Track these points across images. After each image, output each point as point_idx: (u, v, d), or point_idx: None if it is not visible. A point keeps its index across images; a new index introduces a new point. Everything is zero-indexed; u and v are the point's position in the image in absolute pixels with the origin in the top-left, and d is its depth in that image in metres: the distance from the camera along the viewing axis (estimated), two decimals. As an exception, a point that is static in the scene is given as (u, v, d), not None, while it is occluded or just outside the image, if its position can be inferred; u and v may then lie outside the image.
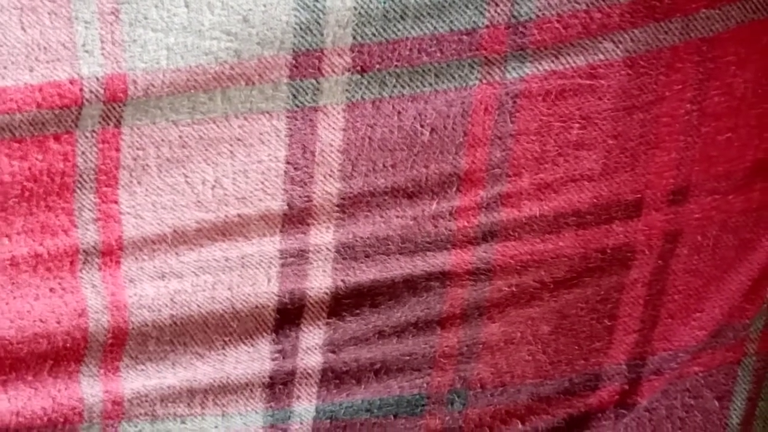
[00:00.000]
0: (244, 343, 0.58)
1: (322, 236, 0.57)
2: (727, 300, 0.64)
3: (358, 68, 0.53)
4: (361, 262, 0.58)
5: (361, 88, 0.53)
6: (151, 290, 0.55)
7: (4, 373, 0.55)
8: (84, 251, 0.53)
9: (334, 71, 0.53)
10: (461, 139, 0.56)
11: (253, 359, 0.59)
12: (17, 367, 0.54)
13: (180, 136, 0.52)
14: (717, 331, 0.65)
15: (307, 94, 0.53)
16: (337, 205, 0.56)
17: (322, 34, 0.52)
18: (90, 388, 0.56)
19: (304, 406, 0.60)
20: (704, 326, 0.64)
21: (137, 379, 0.57)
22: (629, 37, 0.55)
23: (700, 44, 0.57)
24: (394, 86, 0.54)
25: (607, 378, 0.64)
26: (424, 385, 0.61)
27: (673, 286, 0.63)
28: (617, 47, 0.55)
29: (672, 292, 0.63)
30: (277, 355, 0.59)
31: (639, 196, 0.59)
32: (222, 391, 0.59)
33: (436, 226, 0.57)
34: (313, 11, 0.51)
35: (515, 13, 0.53)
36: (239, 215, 0.55)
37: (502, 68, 0.55)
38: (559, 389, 0.63)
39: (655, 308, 0.63)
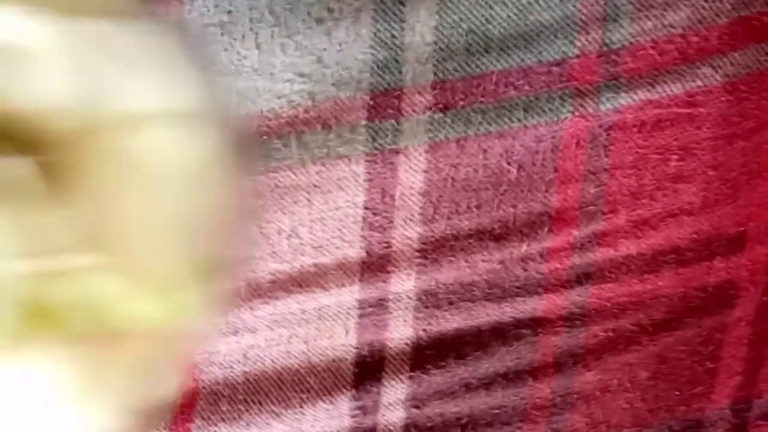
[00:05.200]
0: (322, 399, 0.55)
1: (403, 284, 0.53)
2: (837, 336, 0.61)
3: (440, 106, 0.50)
4: (445, 310, 0.55)
5: (444, 127, 0.50)
6: (223, 347, 0.52)
7: None
8: None
9: (414, 110, 0.50)
10: (551, 176, 0.53)
11: (332, 417, 0.56)
12: None
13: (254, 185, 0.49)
14: (825, 369, 0.62)
15: (386, 135, 0.50)
16: (418, 251, 0.53)
17: (401, 72, 0.48)
18: (160, 453, 0.54)
19: (386, 463, 0.58)
20: (812, 365, 0.61)
21: (210, 442, 0.54)
22: (728, 60, 0.52)
23: (806, 65, 0.53)
24: (480, 123, 0.51)
25: (709, 424, 0.60)
26: (515, 438, 0.58)
27: (779, 324, 0.60)
28: (716, 72, 0.52)
29: (777, 330, 0.60)
30: (357, 411, 0.56)
31: (742, 229, 0.56)
32: (299, 451, 0.56)
33: (525, 270, 0.54)
34: (391, 48, 0.48)
35: (607, 41, 0.50)
36: (316, 265, 0.52)
37: (595, 99, 0.52)
38: (658, 438, 0.60)
39: (760, 348, 0.59)
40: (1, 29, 0.28)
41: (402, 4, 0.48)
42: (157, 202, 0.30)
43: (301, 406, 0.55)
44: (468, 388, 0.56)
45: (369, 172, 0.50)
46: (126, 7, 0.30)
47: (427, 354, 0.55)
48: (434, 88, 0.49)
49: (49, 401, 0.29)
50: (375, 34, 0.47)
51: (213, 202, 0.31)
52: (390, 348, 0.55)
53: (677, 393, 0.59)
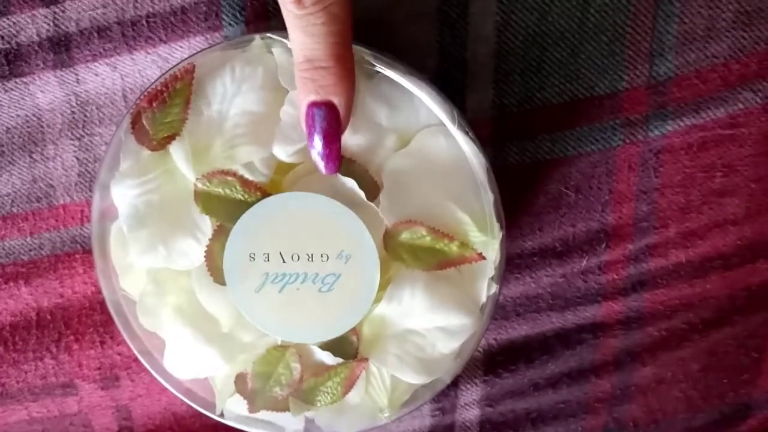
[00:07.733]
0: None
1: (474, 297, 0.58)
2: None
3: (501, 137, 0.54)
4: (512, 321, 0.59)
5: (505, 157, 0.54)
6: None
7: None
8: None
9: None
10: (607, 197, 0.56)
11: (414, 416, 0.60)
12: None
13: None
14: None
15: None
16: (486, 268, 0.57)
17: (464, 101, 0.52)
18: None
19: (463, 454, 0.62)
20: None
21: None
22: None
23: (839, 85, 0.56)
24: (538, 153, 0.55)
25: (756, 407, 0.64)
26: (579, 428, 0.62)
27: (818, 313, 0.63)
28: (756, 95, 0.55)
29: (817, 318, 0.63)
30: (437, 412, 0.60)
31: (782, 233, 0.59)
32: (384, 448, 0.60)
33: (585, 281, 0.58)
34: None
35: (654, 74, 0.54)
36: None
37: (644, 127, 0.55)
38: (710, 421, 0.64)
39: (802, 337, 0.63)
40: None
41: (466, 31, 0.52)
42: (437, 180, 0.47)
43: (387, 410, 0.59)
44: (536, 387, 0.60)
45: None
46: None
47: (498, 360, 0.59)
48: (495, 121, 0.53)
49: (418, 311, 0.47)
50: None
51: (469, 177, 0.47)
52: (464, 355, 0.59)
53: (726, 381, 0.62)
